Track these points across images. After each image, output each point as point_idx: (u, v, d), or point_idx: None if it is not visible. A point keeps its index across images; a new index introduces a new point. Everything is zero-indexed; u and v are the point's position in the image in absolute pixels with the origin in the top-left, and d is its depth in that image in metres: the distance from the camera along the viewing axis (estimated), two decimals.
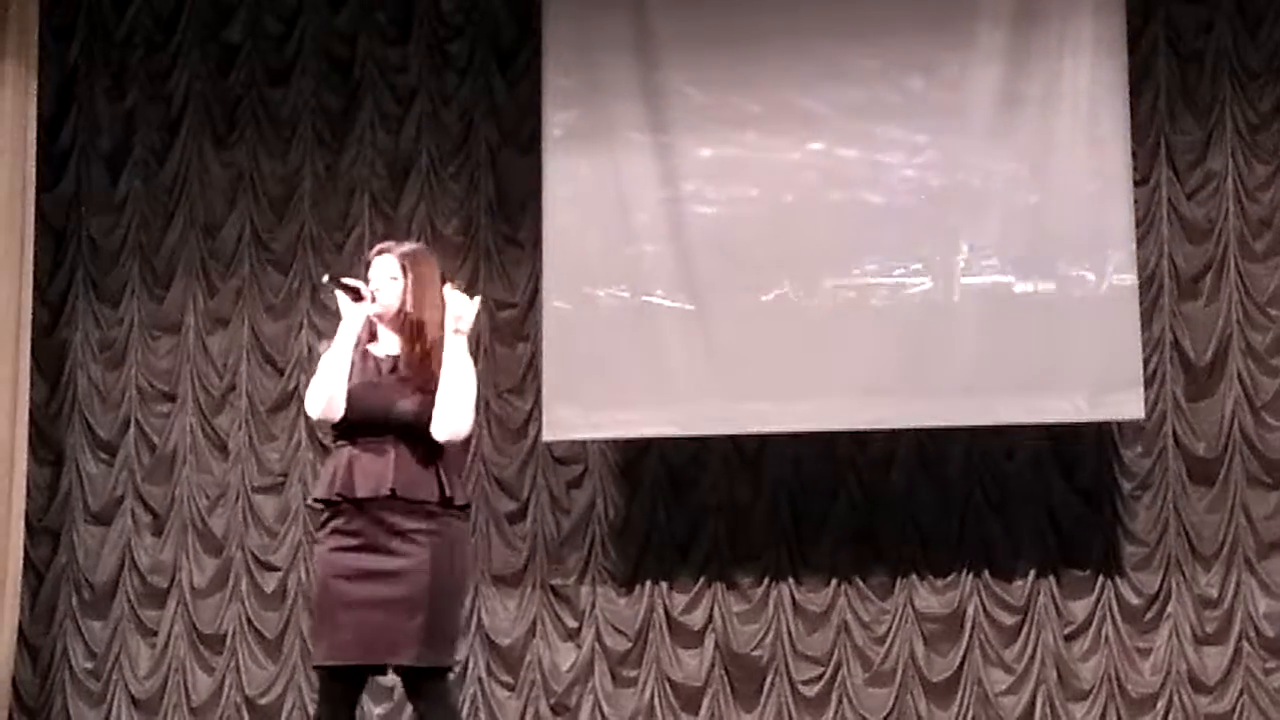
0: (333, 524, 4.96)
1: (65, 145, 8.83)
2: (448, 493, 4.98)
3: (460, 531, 5.06)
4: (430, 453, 4.97)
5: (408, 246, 5.22)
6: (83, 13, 8.87)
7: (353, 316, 5.01)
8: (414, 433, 4.94)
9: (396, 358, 5.03)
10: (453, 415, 4.94)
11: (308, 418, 8.17)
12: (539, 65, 8.09)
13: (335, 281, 5.05)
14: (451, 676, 5.23)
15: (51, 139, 8.74)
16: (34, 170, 8.43)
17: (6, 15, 8.38)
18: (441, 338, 5.02)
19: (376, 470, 4.90)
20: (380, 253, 5.12)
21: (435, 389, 4.96)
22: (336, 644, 4.88)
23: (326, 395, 4.94)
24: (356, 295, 5.01)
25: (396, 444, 4.93)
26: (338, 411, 4.94)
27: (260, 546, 8.37)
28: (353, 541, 4.91)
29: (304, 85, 8.62)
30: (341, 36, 8.63)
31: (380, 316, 5.06)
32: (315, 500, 5.05)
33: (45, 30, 8.64)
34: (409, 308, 5.03)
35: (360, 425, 4.95)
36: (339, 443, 5.02)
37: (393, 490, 4.88)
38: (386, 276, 5.05)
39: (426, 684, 4.93)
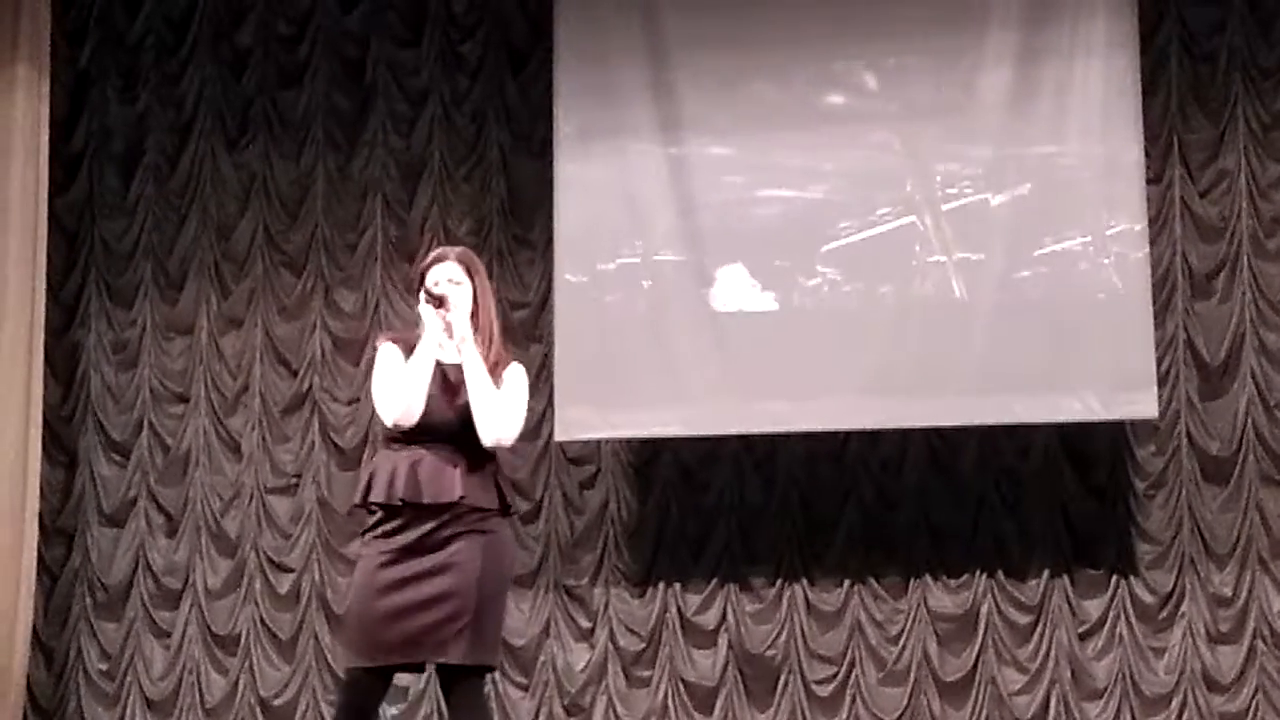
0: (384, 527, 4.91)
1: (78, 148, 8.84)
2: (507, 499, 4.99)
3: (508, 533, 5.05)
4: (489, 459, 4.97)
5: (462, 250, 5.19)
6: (95, 16, 8.89)
7: (436, 326, 4.98)
8: (478, 440, 4.94)
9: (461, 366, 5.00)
10: (498, 420, 4.93)
11: (321, 418, 8.30)
12: (551, 67, 8.10)
13: (428, 294, 5.00)
14: (489, 678, 5.18)
15: (64, 142, 8.75)
16: (46, 173, 8.45)
17: (19, 19, 8.40)
18: (502, 344, 5.05)
19: (445, 477, 4.87)
20: (439, 260, 5.08)
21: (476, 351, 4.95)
22: (382, 644, 4.84)
23: (406, 401, 4.89)
24: (440, 303, 4.98)
25: (461, 451, 4.91)
26: (414, 418, 4.90)
27: (274, 548, 8.38)
28: (406, 542, 4.85)
29: (316, 87, 8.64)
30: (353, 39, 8.64)
31: (450, 324, 5.01)
32: (371, 503, 4.94)
33: (57, 34, 8.66)
34: (480, 315, 5.03)
35: (425, 431, 4.92)
36: (394, 445, 4.97)
37: (461, 497, 4.86)
38: (451, 282, 5.03)
39: (466, 684, 4.90)
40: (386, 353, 5.02)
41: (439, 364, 4.99)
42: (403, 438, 4.95)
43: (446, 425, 4.92)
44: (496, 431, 4.93)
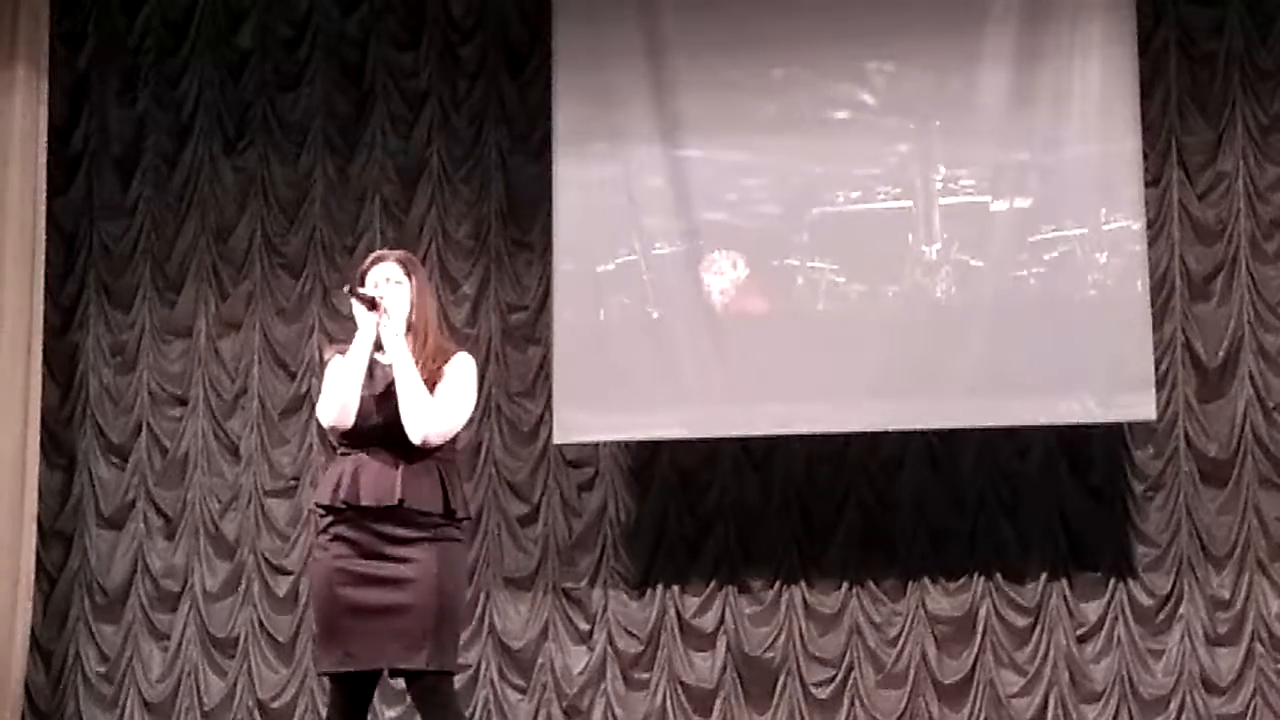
0: (333, 531, 4.98)
1: (76, 150, 8.84)
2: (451, 505, 5.00)
3: (459, 541, 5.08)
4: (436, 463, 5.00)
5: (402, 252, 5.27)
6: (93, 18, 8.89)
7: (369, 326, 5.03)
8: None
9: None
10: (423, 416, 4.93)
11: (319, 422, 8.28)
12: (550, 69, 8.10)
13: (353, 292, 5.06)
14: (457, 681, 5.24)
15: (63, 144, 8.75)
16: (45, 175, 8.44)
17: (17, 21, 8.40)
18: (442, 342, 5.09)
19: (385, 479, 4.92)
20: (378, 260, 5.17)
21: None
22: (347, 651, 4.91)
23: (340, 403, 4.95)
24: (372, 305, 5.03)
25: (404, 453, 4.94)
26: (350, 419, 4.96)
27: (272, 550, 8.38)
28: (354, 549, 4.92)
29: (315, 90, 8.64)
30: (352, 41, 8.64)
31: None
32: (317, 505, 5.05)
33: (56, 36, 8.66)
34: (415, 314, 5.08)
35: (367, 433, 4.97)
36: (344, 450, 5.04)
37: (401, 500, 4.90)
38: (390, 281, 5.09)
39: (433, 689, 4.95)
40: (332, 364, 5.07)
41: (381, 366, 5.05)
42: (349, 443, 5.00)
43: (385, 427, 4.95)
44: (422, 428, 4.93)
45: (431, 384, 4.99)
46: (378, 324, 5.04)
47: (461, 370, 5.08)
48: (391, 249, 5.38)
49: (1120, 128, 7.45)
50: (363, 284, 5.11)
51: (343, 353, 5.08)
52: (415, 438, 4.92)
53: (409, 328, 5.06)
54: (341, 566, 4.91)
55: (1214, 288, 7.71)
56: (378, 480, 4.92)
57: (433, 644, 4.88)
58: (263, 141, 8.66)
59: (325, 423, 5.05)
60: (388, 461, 4.94)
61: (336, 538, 4.96)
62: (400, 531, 4.91)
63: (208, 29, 8.79)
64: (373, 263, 5.16)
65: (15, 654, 8.14)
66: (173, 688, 8.37)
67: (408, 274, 5.11)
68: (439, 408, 4.97)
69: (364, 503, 4.90)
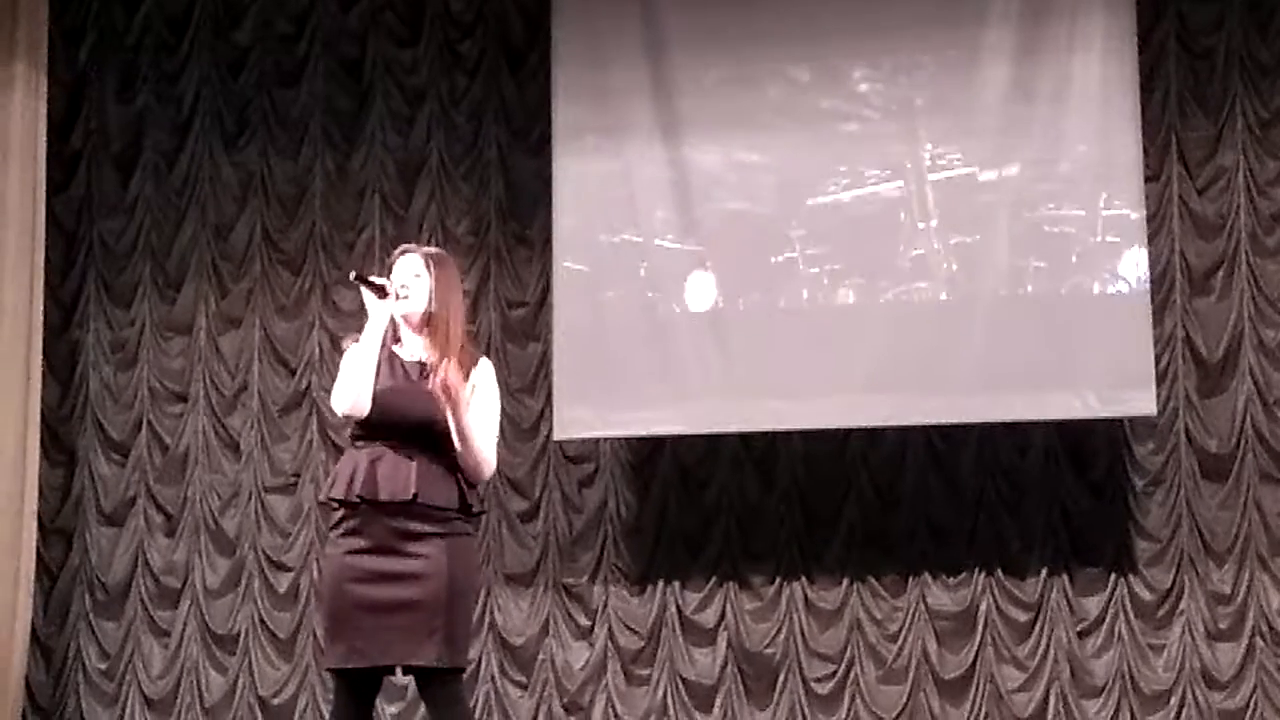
0: (346, 525, 4.96)
1: (76, 147, 8.84)
2: (468, 500, 5.00)
3: (471, 535, 5.09)
4: (451, 459, 4.99)
5: (431, 249, 5.24)
6: (93, 15, 8.89)
7: (379, 314, 5.00)
8: (439, 439, 4.95)
9: (424, 363, 5.03)
10: (480, 462, 5.00)
11: (320, 417, 8.30)
12: (549, 65, 8.09)
13: (360, 278, 5.04)
14: (464, 677, 5.24)
15: (62, 141, 8.76)
16: (44, 172, 8.45)
17: (16, 17, 8.39)
18: (466, 342, 5.07)
19: (401, 474, 4.90)
20: (404, 253, 5.14)
21: (459, 394, 4.95)
22: (355, 647, 4.89)
23: (355, 392, 4.92)
24: (382, 292, 5.01)
25: (421, 449, 4.93)
26: (364, 409, 4.93)
27: (273, 546, 8.38)
28: (368, 544, 4.91)
29: (314, 86, 8.63)
30: (352, 37, 8.63)
31: (406, 317, 5.07)
32: (331, 500, 5.03)
33: (55, 32, 8.66)
34: (434, 307, 5.05)
35: (384, 428, 4.95)
36: (359, 443, 5.02)
37: (415, 495, 4.89)
38: (411, 275, 5.07)
39: (442, 685, 4.95)
40: (348, 352, 5.06)
41: (401, 360, 5.04)
42: (366, 435, 4.99)
43: (406, 422, 4.94)
44: (485, 471, 5.03)
45: (460, 383, 4.98)
46: (393, 313, 5.03)
47: (492, 381, 5.09)
48: (420, 245, 5.33)
49: (1120, 123, 7.45)
50: (388, 276, 5.09)
51: (358, 340, 5.07)
52: (474, 480, 5.02)
53: (428, 321, 5.05)
54: (354, 563, 4.90)
55: (1214, 283, 7.70)
56: (393, 475, 4.90)
57: (443, 639, 4.88)
58: (262, 137, 8.66)
59: (339, 411, 5.02)
60: (404, 456, 4.93)
61: (349, 532, 4.94)
62: (414, 526, 4.89)
63: (207, 25, 8.78)
64: (401, 254, 5.15)
65: (16, 651, 8.15)
66: (173, 684, 8.38)
67: (429, 269, 5.08)
68: (489, 443, 5.03)
69: (381, 497, 4.89)
